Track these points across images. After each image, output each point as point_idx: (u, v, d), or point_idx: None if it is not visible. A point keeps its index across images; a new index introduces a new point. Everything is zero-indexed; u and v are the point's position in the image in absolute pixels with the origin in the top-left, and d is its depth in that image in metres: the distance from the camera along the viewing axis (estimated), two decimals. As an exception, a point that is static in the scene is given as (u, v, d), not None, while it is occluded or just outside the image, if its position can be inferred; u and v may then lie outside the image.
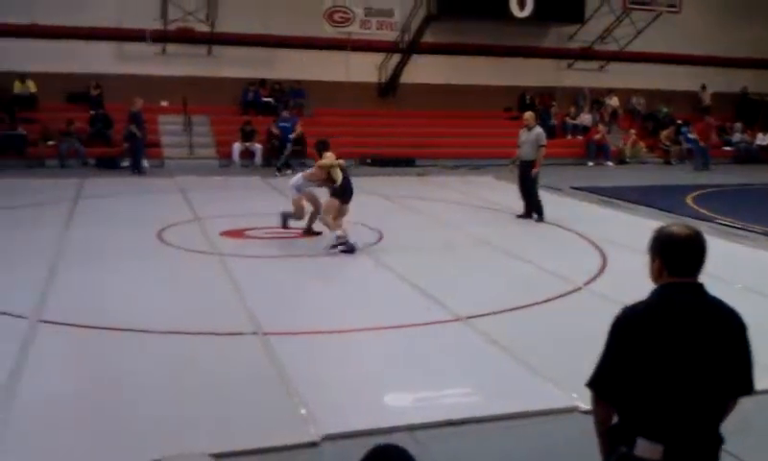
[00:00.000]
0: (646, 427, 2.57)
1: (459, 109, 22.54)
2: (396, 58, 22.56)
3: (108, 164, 18.15)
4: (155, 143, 19.22)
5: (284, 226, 10.69)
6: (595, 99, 24.67)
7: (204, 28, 20.33)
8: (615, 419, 2.71)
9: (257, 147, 19.42)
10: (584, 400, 5.01)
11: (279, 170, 17.88)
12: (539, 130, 12.34)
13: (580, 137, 23.28)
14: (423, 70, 22.45)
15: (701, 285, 2.68)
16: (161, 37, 20.23)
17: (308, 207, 10.50)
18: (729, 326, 2.66)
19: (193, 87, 20.01)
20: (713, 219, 12.43)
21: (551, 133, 22.95)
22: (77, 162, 18.22)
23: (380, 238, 10.63)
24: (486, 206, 13.03)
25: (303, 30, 21.31)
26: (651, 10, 22.85)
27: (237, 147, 19.40)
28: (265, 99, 21.27)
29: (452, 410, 5.08)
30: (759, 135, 24.40)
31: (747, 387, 2.68)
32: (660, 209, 13.37)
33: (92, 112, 19.40)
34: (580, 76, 24.42)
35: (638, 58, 24.00)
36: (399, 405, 5.31)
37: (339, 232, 9.61)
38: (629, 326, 2.64)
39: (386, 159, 19.96)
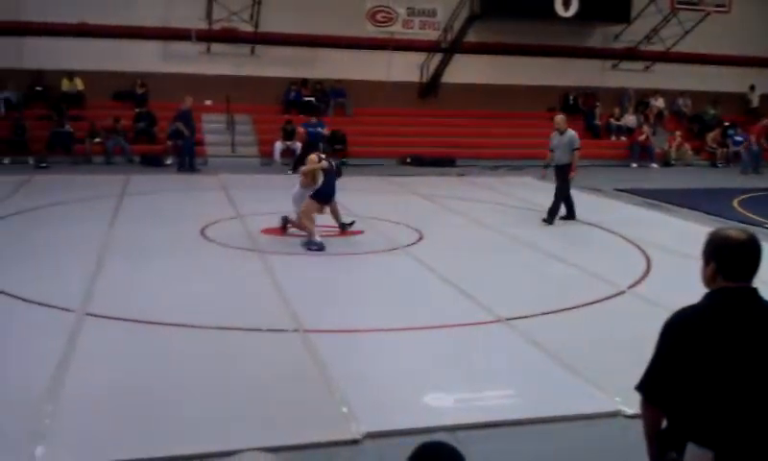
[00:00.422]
0: (697, 433, 2.52)
1: (500, 110, 22.39)
2: (437, 57, 22.50)
3: (152, 162, 18.43)
4: (199, 141, 19.45)
5: (284, 227, 10.64)
6: (640, 100, 24.30)
7: (247, 28, 20.52)
8: (665, 423, 2.67)
9: (298, 146, 19.49)
10: (627, 405, 4.95)
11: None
12: (571, 133, 12.14)
13: (624, 139, 22.97)
14: (465, 70, 22.35)
15: (755, 290, 2.62)
16: (206, 37, 20.48)
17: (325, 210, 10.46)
18: (784, 331, 2.59)
19: (236, 86, 20.22)
20: (762, 223, 12.14)
21: (595, 133, 22.81)
22: (122, 159, 18.53)
23: (420, 238, 10.62)
24: (527, 207, 12.92)
25: (345, 29, 21.39)
26: (699, 10, 22.39)
27: (279, 146, 19.55)
28: (306, 98, 21.40)
29: (493, 411, 5.06)
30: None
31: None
32: (706, 213, 13.12)
33: (137, 110, 19.73)
34: (624, 76, 24.07)
35: (685, 58, 23.55)
36: (440, 405, 5.29)
37: (314, 237, 9.70)
38: (681, 329, 2.59)
39: (426, 159, 19.93)
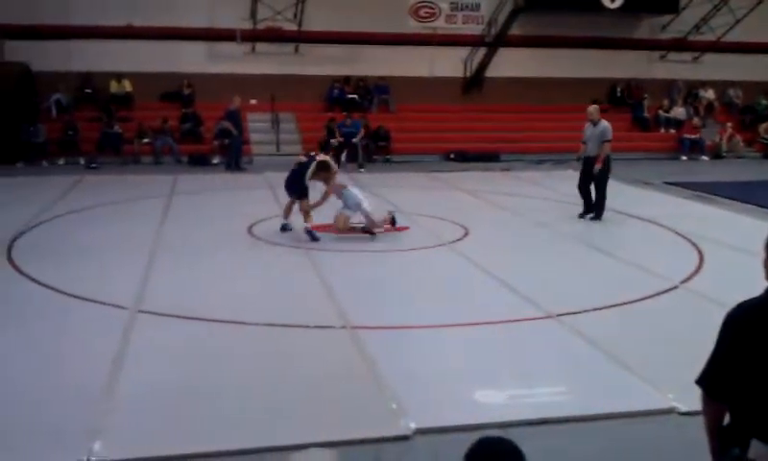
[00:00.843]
0: (761, 429, 2.45)
1: (545, 104, 22.14)
2: (481, 51, 22.34)
3: (199, 161, 18.68)
4: (245, 140, 19.64)
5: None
6: (689, 91, 23.79)
7: (291, 27, 20.65)
8: (727, 418, 2.60)
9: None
10: (681, 402, 4.87)
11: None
12: (605, 124, 11.69)
13: (673, 131, 22.52)
14: (509, 64, 22.15)
15: (819, 283, 2.53)
16: (251, 37, 20.68)
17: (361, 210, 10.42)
18: None
19: (280, 85, 20.36)
20: (818, 216, 11.80)
21: (644, 126, 22.41)
22: (170, 159, 18.82)
23: (466, 234, 10.56)
24: (572, 202, 12.74)
25: (388, 26, 21.36)
26: (752, -4, 21.82)
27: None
28: (350, 96, 21.46)
29: (545, 408, 5.01)
30: None
31: None
32: (759, 205, 12.80)
33: (184, 111, 20.02)
34: (673, 67, 23.59)
35: (736, 48, 22.97)
36: (491, 401, 5.26)
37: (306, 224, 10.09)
38: (744, 322, 2.53)
39: (469, 155, 19.82)
